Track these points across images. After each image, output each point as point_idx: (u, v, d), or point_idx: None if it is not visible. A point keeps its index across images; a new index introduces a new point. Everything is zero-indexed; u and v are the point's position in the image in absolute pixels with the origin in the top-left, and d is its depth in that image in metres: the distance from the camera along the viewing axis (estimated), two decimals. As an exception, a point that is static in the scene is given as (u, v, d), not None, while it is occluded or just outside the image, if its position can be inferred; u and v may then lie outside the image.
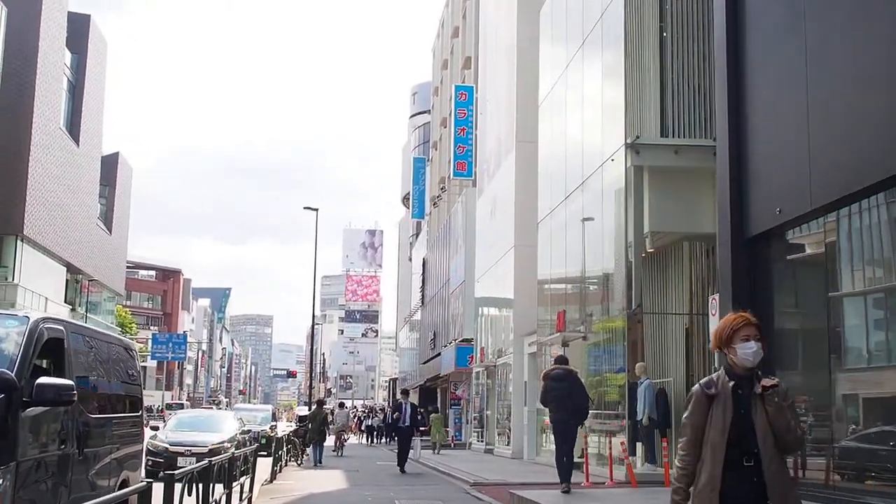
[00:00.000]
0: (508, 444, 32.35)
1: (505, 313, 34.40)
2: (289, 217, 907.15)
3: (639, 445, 20.44)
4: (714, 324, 16.33)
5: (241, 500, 13.01)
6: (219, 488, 10.57)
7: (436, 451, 35.80)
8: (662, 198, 20.75)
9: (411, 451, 26.59)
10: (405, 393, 29.10)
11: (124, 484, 10.14)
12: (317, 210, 48.10)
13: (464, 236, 46.33)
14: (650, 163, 20.55)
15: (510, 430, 32.31)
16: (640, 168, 20.41)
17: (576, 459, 24.10)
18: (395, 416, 26.79)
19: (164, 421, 34.30)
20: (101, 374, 9.95)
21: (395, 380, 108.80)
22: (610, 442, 19.39)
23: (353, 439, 55.23)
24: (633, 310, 19.98)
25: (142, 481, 7.22)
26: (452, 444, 43.16)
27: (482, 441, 37.52)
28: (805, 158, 13.24)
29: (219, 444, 22.19)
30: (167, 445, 22.04)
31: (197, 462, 21.59)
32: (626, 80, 20.97)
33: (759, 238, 15.20)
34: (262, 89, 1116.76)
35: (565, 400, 15.88)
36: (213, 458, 10.16)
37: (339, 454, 35.16)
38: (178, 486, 7.95)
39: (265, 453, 27.36)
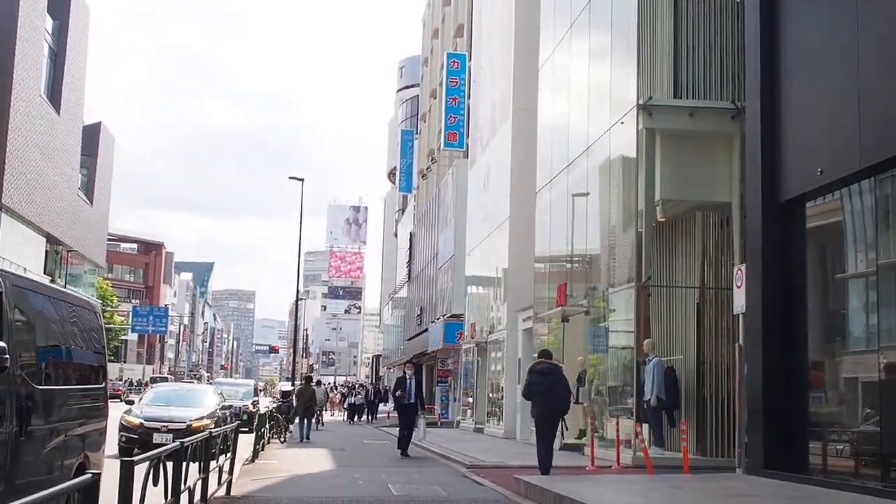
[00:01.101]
0: (500, 424, 31.09)
1: (498, 288, 33.06)
2: (273, 194, 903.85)
3: (645, 427, 19.18)
4: (739, 296, 15.04)
5: (219, 482, 11.63)
6: (194, 471, 9.26)
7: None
8: (675, 164, 19.41)
9: (415, 431, 23.49)
10: (411, 365, 24.67)
11: (82, 468, 8.79)
12: (302, 180, 46.61)
13: (454, 209, 44.94)
14: (663, 126, 19.18)
15: (502, 410, 31.03)
16: (651, 131, 19.05)
17: (576, 441, 23.14)
18: (397, 393, 23.06)
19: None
20: (55, 338, 8.55)
21: (378, 356, 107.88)
22: (618, 424, 18.05)
23: (335, 416, 53.81)
24: (643, 282, 18.65)
25: (121, 460, 5.79)
26: (440, 423, 41.89)
27: (471, 420, 36.23)
28: (853, 114, 11.94)
29: (198, 419, 20.86)
30: (142, 421, 20.62)
31: (174, 439, 20.47)
32: (639, 37, 19.57)
33: (794, 202, 13.93)
34: (247, 64, 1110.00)
35: (548, 395, 15.63)
36: (185, 440, 8.72)
37: (317, 427, 35.23)
38: (139, 472, 6.56)
39: (247, 429, 26.10)
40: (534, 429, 17.36)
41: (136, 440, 20.34)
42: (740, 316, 15.20)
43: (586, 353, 22.81)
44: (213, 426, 20.37)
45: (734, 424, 18.56)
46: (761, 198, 14.33)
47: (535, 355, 18.45)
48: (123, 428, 20.68)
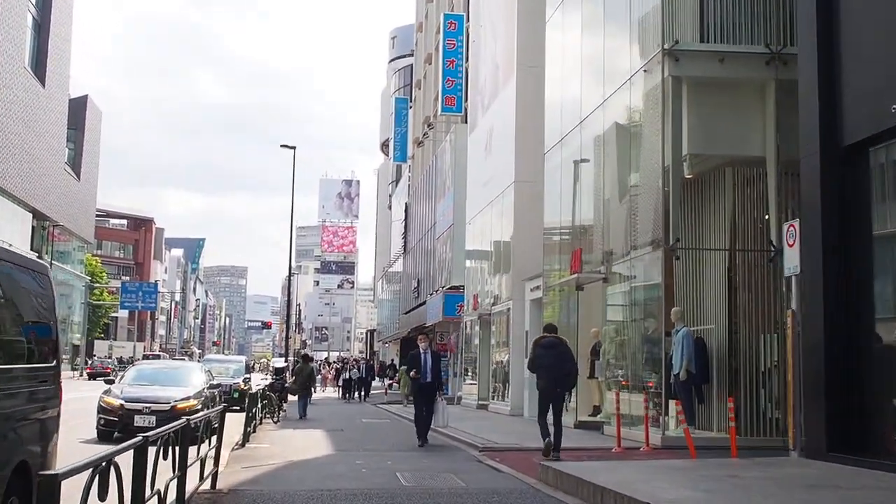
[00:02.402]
0: (506, 400, 29.42)
1: (502, 257, 31.31)
2: (264, 169, 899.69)
3: (670, 403, 17.53)
4: (792, 256, 13.32)
5: (201, 476, 9.88)
6: (166, 468, 7.58)
7: (405, 404, 34.86)
8: (704, 115, 17.69)
9: (434, 416, 19.32)
10: (424, 338, 20.30)
11: (25, 468, 7.05)
12: (294, 148, 44.86)
13: (452, 177, 43.17)
14: (690, 73, 17.44)
15: (508, 385, 29.36)
16: (678, 79, 17.29)
17: (590, 418, 21.52)
18: (412, 373, 19.33)
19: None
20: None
21: (372, 331, 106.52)
22: (646, 401, 16.36)
23: (328, 392, 51.94)
24: (671, 245, 16.91)
25: (41, 475, 4.08)
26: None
27: (474, 396, 34.54)
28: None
29: (183, 399, 19.16)
30: (122, 402, 18.88)
31: (157, 421, 18.76)
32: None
33: (856, 148, 12.18)
34: (237, 38, 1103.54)
35: (553, 368, 15.42)
36: (149, 434, 6.97)
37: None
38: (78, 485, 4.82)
39: (237, 408, 24.45)
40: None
41: (116, 423, 18.72)
42: (793, 279, 13.48)
43: (604, 324, 21.12)
44: (199, 406, 18.83)
45: (772, 401, 16.96)
46: (819, 144, 12.64)
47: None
48: (102, 410, 18.99)
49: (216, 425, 12.12)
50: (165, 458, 7.20)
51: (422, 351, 19.34)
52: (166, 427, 7.03)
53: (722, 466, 11.71)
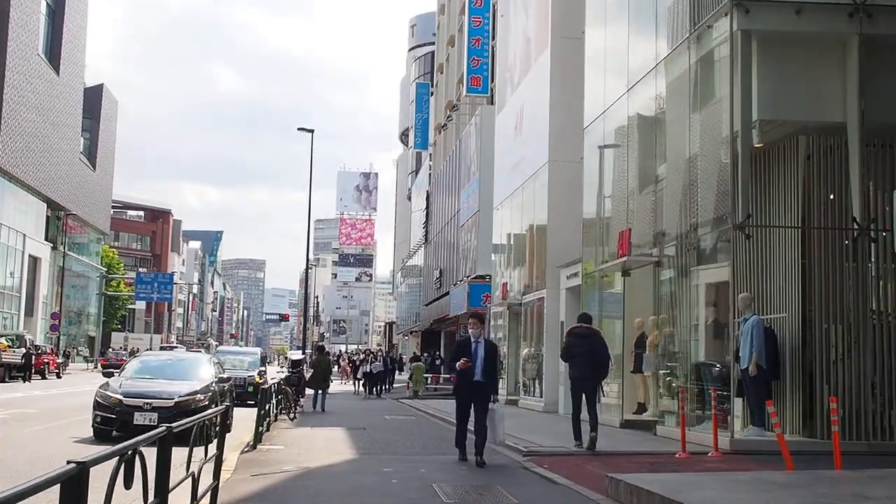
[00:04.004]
0: (539, 396, 27.37)
1: (535, 242, 29.23)
2: (281, 163, 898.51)
3: (737, 402, 15.47)
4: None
5: (194, 498, 7.78)
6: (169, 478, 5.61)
7: (415, 398, 35.41)
8: (776, 76, 15.67)
9: (496, 428, 13.97)
10: (476, 321, 14.40)
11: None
12: (312, 131, 42.78)
13: (478, 161, 41.21)
14: (762, 27, 15.37)
15: (541, 380, 27.31)
16: (747, 35, 15.20)
17: (635, 416, 19.51)
18: (458, 363, 13.69)
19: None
20: None
21: (391, 324, 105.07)
22: (714, 400, 14.27)
23: (346, 386, 49.81)
24: (741, 222, 14.83)
25: None
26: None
27: (502, 391, 32.46)
28: None
29: (189, 395, 17.18)
30: (121, 397, 16.87)
31: (159, 419, 16.77)
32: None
33: None
34: (254, 30, 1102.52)
35: (586, 357, 15.29)
36: (136, 441, 4.95)
37: None
38: None
39: (252, 403, 22.53)
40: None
41: (114, 420, 16.75)
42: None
43: (658, 312, 19.04)
44: (206, 402, 16.88)
45: (859, 400, 14.89)
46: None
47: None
48: (98, 406, 16.99)
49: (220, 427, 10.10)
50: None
51: (473, 339, 13.96)
52: (129, 443, 5.00)
53: (835, 482, 9.64)
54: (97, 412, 16.97)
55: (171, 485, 6.21)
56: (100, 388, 17.60)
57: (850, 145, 15.10)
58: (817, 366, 15.16)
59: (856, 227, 14.88)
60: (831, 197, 15.46)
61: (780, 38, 15.66)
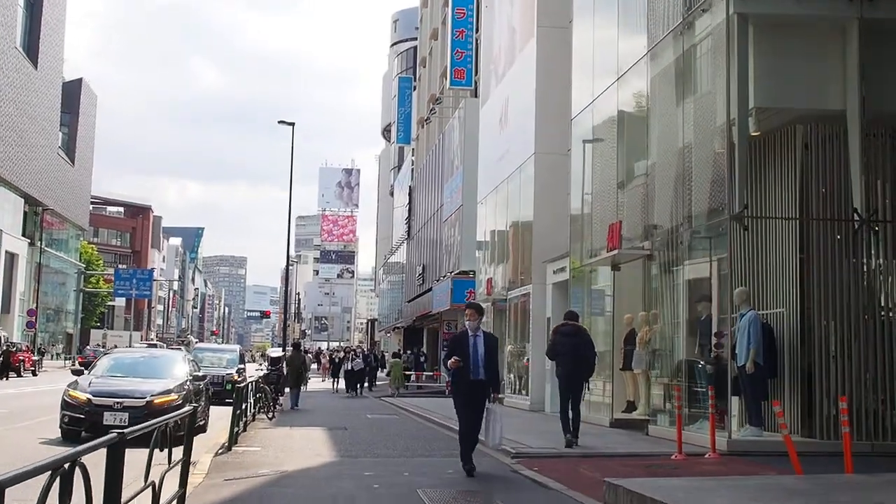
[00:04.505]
0: (525, 394, 26.72)
1: (521, 236, 28.58)
2: (263, 158, 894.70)
3: (734, 401, 14.86)
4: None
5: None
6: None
7: (396, 396, 35.47)
8: (773, 62, 15.11)
9: (491, 430, 12.24)
10: (474, 313, 12.66)
11: None
12: (293, 124, 41.92)
13: (461, 155, 40.56)
14: (759, 10, 14.78)
15: (527, 378, 26.67)
16: (744, 18, 14.56)
17: (624, 414, 18.93)
18: (450, 361, 12.06)
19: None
20: None
21: (373, 321, 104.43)
22: (712, 398, 13.63)
23: (326, 384, 48.96)
24: (738, 212, 14.21)
25: None
26: (448, 392, 37.61)
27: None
28: None
29: (162, 393, 16.48)
30: (89, 396, 16.15)
31: (130, 419, 16.00)
32: None
33: None
34: (235, 26, 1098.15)
35: (573, 355, 15.29)
36: (76, 452, 4.29)
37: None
38: None
39: (230, 401, 21.80)
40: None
41: (83, 420, 16.03)
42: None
43: (648, 307, 18.43)
44: (180, 402, 16.17)
45: (860, 399, 14.29)
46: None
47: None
48: (66, 405, 16.29)
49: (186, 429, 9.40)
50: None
51: (470, 333, 12.23)
52: (68, 453, 4.32)
53: (851, 488, 8.99)
54: (65, 412, 16.28)
55: (124, 499, 5.52)
56: (68, 386, 16.88)
57: (850, 134, 14.53)
58: (816, 363, 14.57)
59: (857, 218, 14.30)
60: (822, 190, 14.85)
61: (777, 22, 15.09)
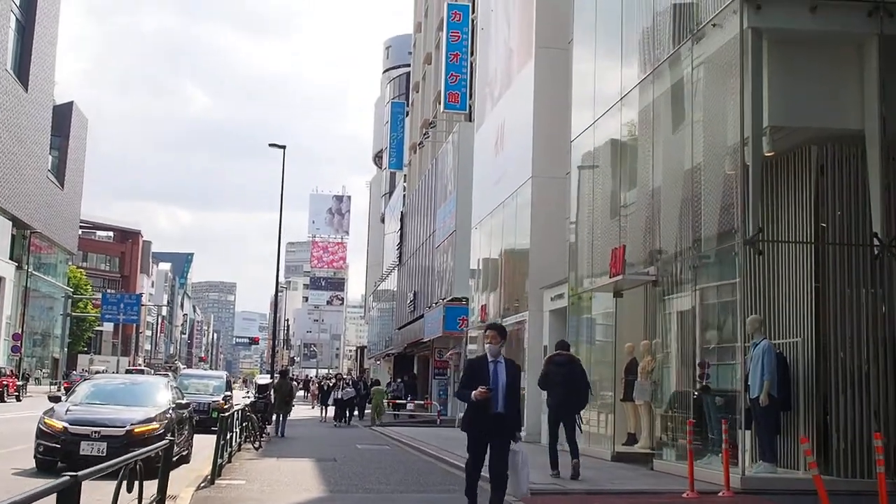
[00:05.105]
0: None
1: (517, 262, 27.84)
2: (254, 185, 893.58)
3: (746, 434, 14.08)
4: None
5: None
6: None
7: (375, 425, 34.99)
8: (788, 80, 14.44)
9: (517, 477, 10.52)
10: (495, 334, 10.76)
11: None
12: (283, 147, 41.27)
13: (455, 180, 39.87)
14: (774, 25, 14.09)
15: (523, 409, 25.84)
16: (758, 33, 13.91)
17: (625, 448, 18.19)
18: (474, 393, 10.12)
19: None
20: None
21: (362, 348, 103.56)
22: (725, 432, 12.84)
23: (314, 411, 47.94)
24: (752, 236, 13.49)
25: None
26: (439, 421, 36.81)
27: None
28: None
29: (143, 422, 15.64)
30: (66, 424, 15.30)
31: (108, 449, 15.10)
32: None
33: None
34: (228, 55, 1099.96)
35: (564, 386, 15.14)
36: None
37: None
38: None
39: (216, 428, 20.98)
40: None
41: (58, 450, 15.18)
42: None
43: (650, 335, 17.68)
44: (161, 431, 15.35)
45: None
46: None
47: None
48: (41, 434, 15.41)
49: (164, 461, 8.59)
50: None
51: (490, 358, 10.47)
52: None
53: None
54: (40, 441, 15.42)
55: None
56: (44, 414, 16.04)
57: (868, 155, 13.86)
58: (833, 396, 13.83)
59: (877, 243, 13.59)
60: (839, 213, 14.15)
61: (793, 37, 14.44)
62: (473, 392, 10.06)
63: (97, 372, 68.55)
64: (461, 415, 34.73)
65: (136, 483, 6.21)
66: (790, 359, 14.26)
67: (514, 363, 11.08)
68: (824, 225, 14.30)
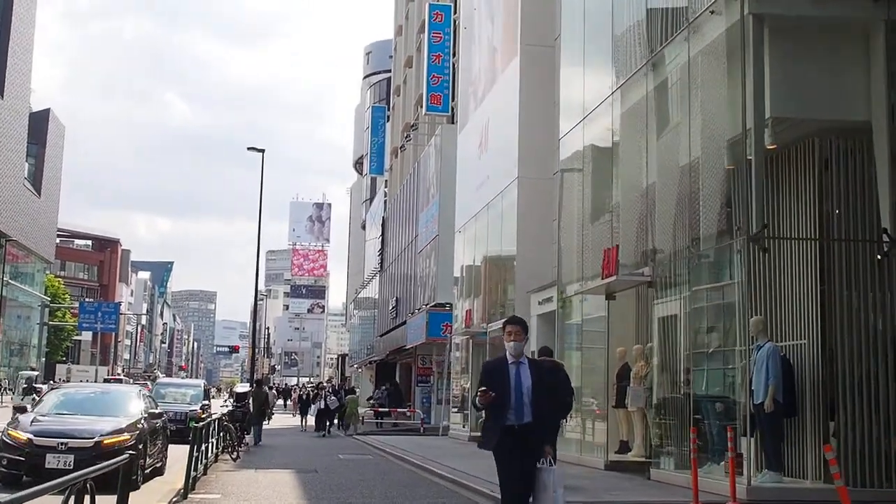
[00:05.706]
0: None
1: (503, 266, 27.13)
2: (234, 194, 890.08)
3: (749, 442, 13.34)
4: None
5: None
6: None
7: (352, 433, 34.69)
8: (790, 69, 13.77)
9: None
10: (518, 330, 8.69)
11: None
12: (262, 151, 40.48)
13: (437, 183, 39.13)
14: (775, 11, 13.46)
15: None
16: (759, 20, 13.22)
17: (619, 456, 17.51)
18: (477, 398, 8.42)
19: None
20: None
21: (343, 356, 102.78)
22: (731, 440, 12.10)
23: (294, 419, 47.13)
24: (756, 233, 12.79)
25: None
26: (423, 429, 35.98)
27: (465, 427, 30.20)
28: None
29: (113, 433, 14.76)
30: (31, 436, 14.43)
31: (76, 462, 14.28)
32: None
33: None
34: (208, 63, 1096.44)
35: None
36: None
37: None
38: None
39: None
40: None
41: (23, 463, 14.28)
42: None
43: (643, 339, 16.97)
44: (133, 442, 14.52)
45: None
46: None
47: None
48: (5, 446, 14.50)
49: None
50: None
51: (510, 357, 8.63)
52: None
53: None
54: (3, 454, 14.48)
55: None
56: (8, 425, 15.16)
57: (876, 147, 13.22)
58: (840, 401, 13.13)
59: (886, 239, 12.91)
60: (843, 210, 13.46)
61: (794, 25, 13.79)
62: (476, 397, 8.48)
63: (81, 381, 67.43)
64: (445, 423, 34.30)
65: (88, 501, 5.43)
66: (795, 362, 13.56)
67: (541, 364, 9.62)
68: (837, 211, 13.59)
